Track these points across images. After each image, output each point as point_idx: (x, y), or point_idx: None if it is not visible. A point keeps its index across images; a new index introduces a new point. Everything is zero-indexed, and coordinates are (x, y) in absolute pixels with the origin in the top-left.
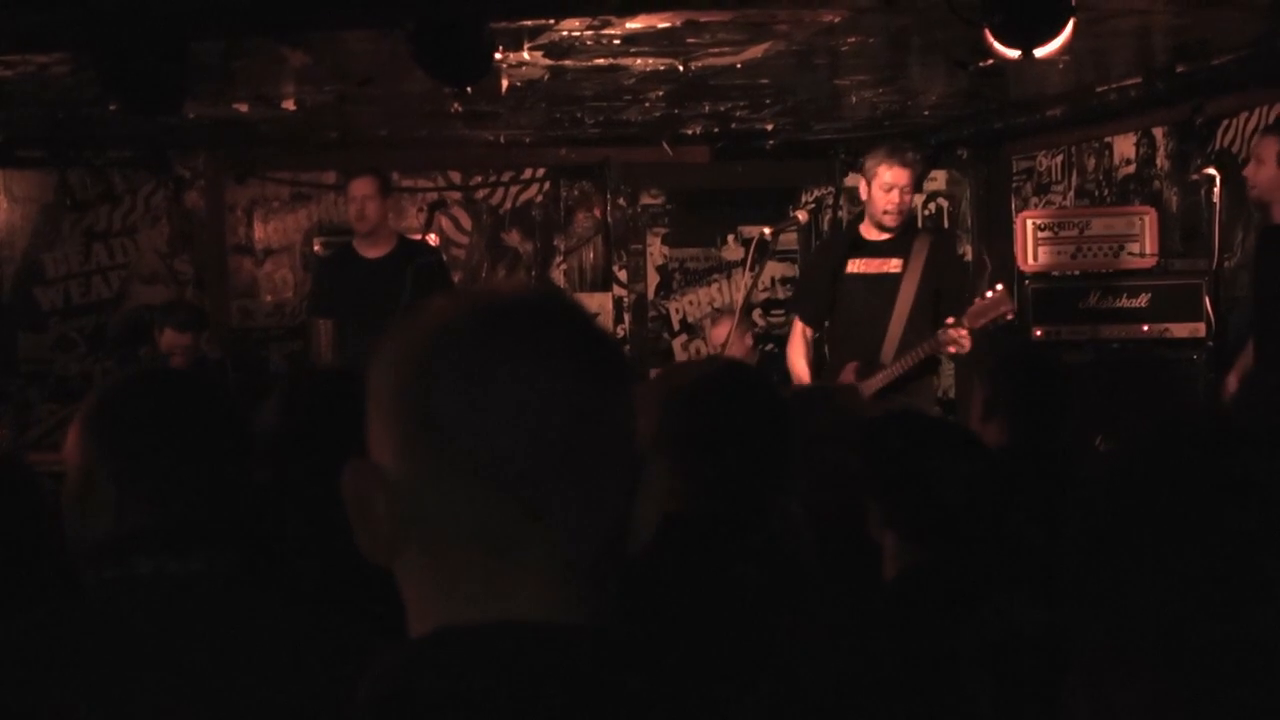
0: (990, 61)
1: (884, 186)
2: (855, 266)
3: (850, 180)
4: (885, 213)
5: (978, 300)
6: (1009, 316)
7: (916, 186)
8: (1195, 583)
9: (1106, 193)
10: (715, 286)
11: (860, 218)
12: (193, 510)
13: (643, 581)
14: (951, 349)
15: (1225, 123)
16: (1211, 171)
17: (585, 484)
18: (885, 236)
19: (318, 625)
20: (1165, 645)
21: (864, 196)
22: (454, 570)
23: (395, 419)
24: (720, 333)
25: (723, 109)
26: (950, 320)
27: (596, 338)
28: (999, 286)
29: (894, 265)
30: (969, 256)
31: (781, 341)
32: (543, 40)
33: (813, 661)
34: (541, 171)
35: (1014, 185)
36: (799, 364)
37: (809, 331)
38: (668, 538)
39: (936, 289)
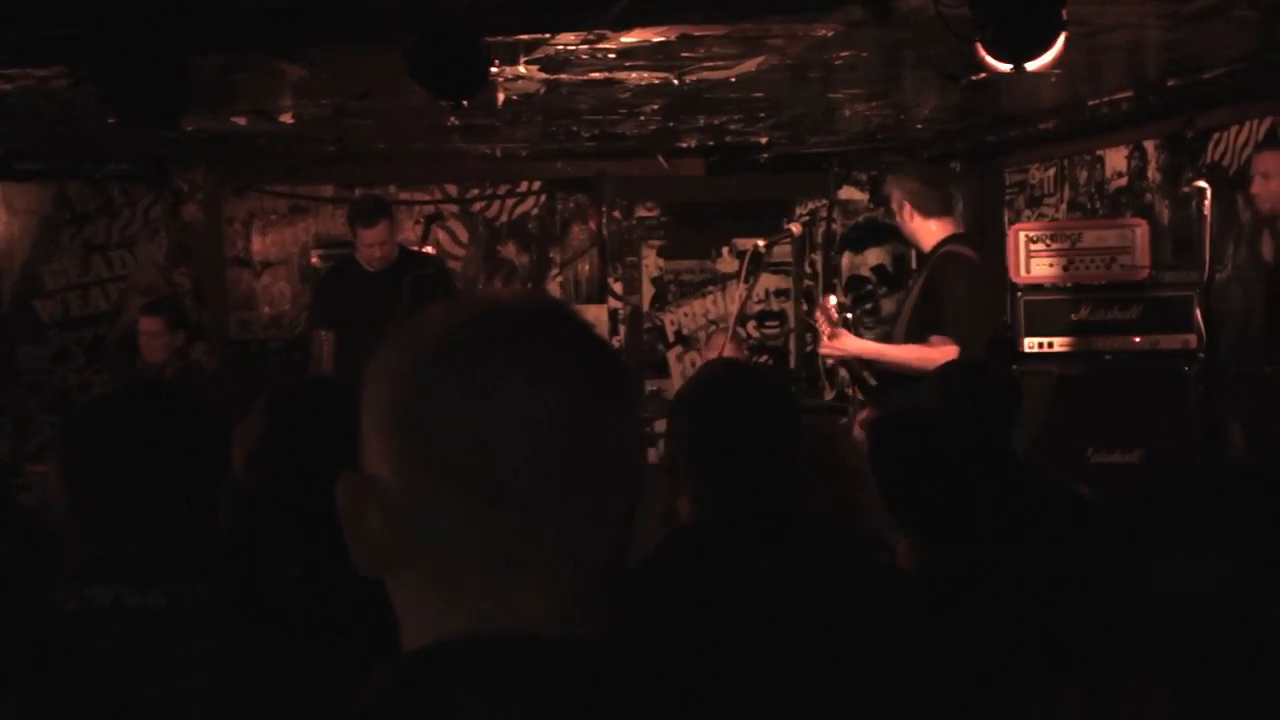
0: (982, 75)
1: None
2: None
3: (844, 193)
4: None
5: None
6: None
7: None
8: (1216, 587)
9: (1098, 205)
10: (710, 298)
11: None
12: (159, 541)
13: (654, 592)
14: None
15: (1216, 136)
16: (1203, 184)
17: (589, 497)
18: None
19: (283, 662)
20: (1173, 645)
21: None
22: (452, 583)
23: (393, 431)
24: (714, 352)
25: (717, 122)
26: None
27: (598, 347)
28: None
29: (913, 284)
30: None
31: (775, 352)
32: (539, 54)
33: (823, 668)
34: (537, 184)
35: (1007, 198)
36: None
37: None
38: (679, 548)
39: (926, 305)
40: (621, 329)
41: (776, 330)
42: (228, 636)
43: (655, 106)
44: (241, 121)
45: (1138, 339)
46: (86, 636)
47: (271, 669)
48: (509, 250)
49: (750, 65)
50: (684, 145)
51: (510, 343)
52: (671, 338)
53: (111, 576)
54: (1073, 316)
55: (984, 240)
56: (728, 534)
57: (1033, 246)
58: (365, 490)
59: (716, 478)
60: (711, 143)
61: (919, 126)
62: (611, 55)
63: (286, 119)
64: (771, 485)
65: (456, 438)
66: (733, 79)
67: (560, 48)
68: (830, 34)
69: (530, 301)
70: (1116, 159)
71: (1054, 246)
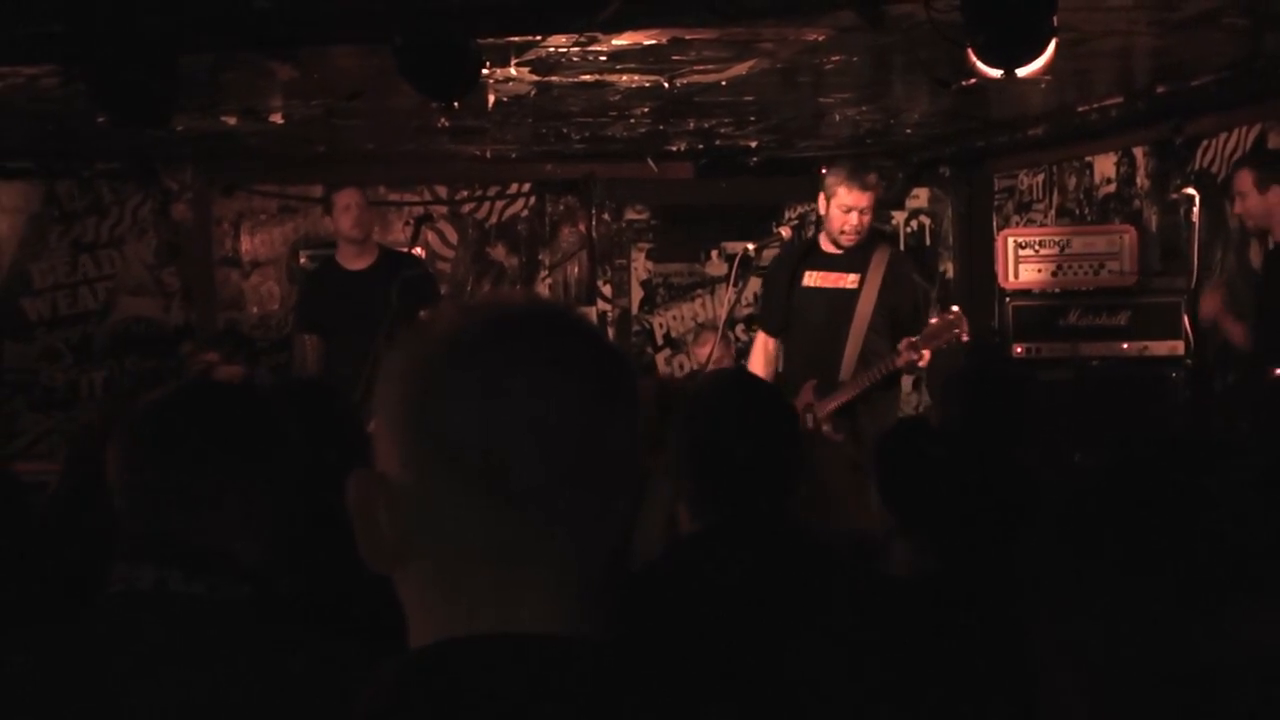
0: (973, 81)
1: (842, 207)
2: (812, 279)
3: None
4: (842, 233)
5: (933, 321)
6: (964, 338)
7: (899, 205)
8: (1146, 603)
9: (1087, 211)
10: (699, 302)
11: (820, 229)
12: (214, 534)
13: (653, 594)
14: (903, 364)
15: (1205, 143)
16: (1191, 191)
17: (594, 498)
18: (842, 251)
19: (316, 664)
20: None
21: (822, 211)
22: (458, 581)
23: (404, 430)
24: (704, 350)
25: (707, 126)
26: (907, 341)
27: (606, 350)
28: (955, 308)
29: (851, 281)
30: (950, 274)
31: None
32: (529, 56)
33: (818, 671)
34: (527, 186)
35: (996, 203)
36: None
37: (770, 344)
38: (677, 551)
39: (892, 305)
40: (610, 332)
41: None
42: (261, 631)
43: (645, 109)
44: (231, 121)
45: (1126, 345)
46: (123, 620)
47: (300, 668)
48: (498, 252)
49: (741, 69)
50: (673, 148)
51: (521, 344)
52: (660, 340)
53: (162, 557)
54: (1061, 322)
55: (972, 245)
56: (725, 540)
57: (1021, 252)
58: (375, 487)
59: (714, 485)
60: (701, 146)
61: (908, 131)
62: (602, 58)
63: (276, 119)
64: (769, 492)
65: (467, 436)
66: (723, 82)
67: (551, 49)
68: (821, 38)
69: (539, 304)
70: (1105, 165)
71: (1043, 252)
